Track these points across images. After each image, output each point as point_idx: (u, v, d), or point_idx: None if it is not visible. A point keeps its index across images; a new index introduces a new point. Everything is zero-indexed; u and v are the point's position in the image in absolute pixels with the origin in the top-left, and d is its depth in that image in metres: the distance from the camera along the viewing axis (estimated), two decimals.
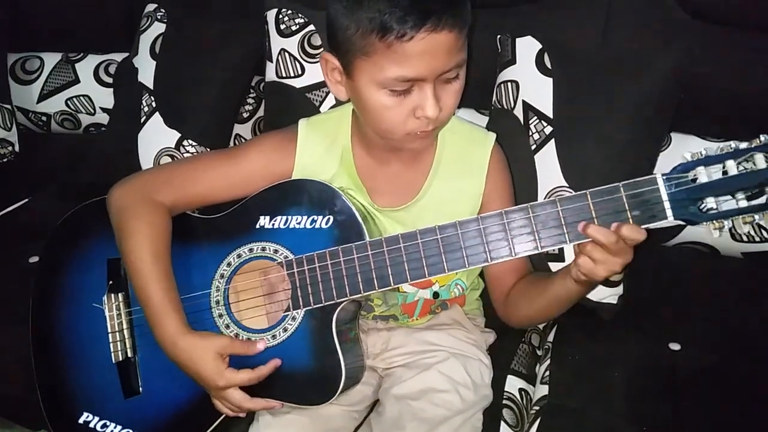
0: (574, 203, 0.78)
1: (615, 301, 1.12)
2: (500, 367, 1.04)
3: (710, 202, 0.74)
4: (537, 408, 0.99)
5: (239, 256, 0.94)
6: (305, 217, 0.91)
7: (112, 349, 0.98)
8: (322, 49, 1.30)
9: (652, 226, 0.77)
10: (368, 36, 0.79)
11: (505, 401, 1.01)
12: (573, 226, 0.78)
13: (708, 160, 0.74)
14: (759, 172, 0.72)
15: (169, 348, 0.90)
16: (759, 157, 0.72)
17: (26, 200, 1.58)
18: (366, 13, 0.78)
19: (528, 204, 0.80)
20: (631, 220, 0.77)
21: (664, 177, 0.75)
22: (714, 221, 0.75)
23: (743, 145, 0.73)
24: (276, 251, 0.92)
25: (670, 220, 0.76)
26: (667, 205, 0.75)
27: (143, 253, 0.92)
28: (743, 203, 0.73)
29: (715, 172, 0.74)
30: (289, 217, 0.91)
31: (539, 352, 1.12)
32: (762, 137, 0.72)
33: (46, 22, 1.79)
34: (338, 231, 0.89)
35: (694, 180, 0.74)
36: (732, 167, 0.73)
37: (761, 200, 0.72)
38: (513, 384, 1.04)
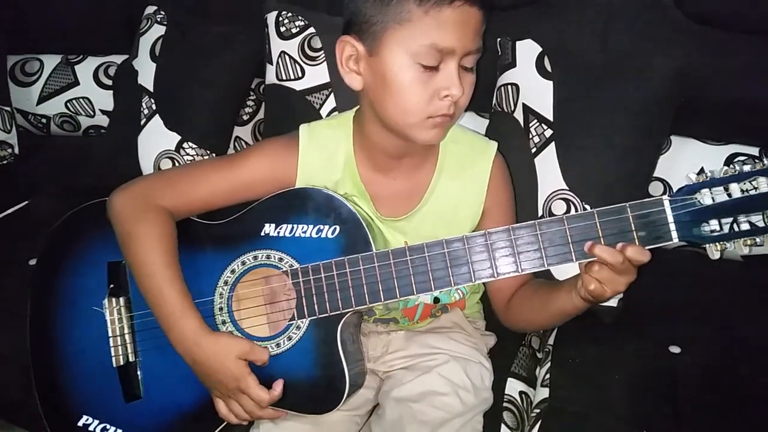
0: (581, 222, 0.79)
1: (615, 304, 1.12)
2: (500, 369, 1.04)
3: (714, 224, 0.76)
4: (537, 411, 0.99)
5: (243, 263, 0.94)
6: (311, 226, 0.90)
7: (113, 353, 0.97)
8: (322, 53, 1.30)
9: (657, 246, 0.78)
10: (405, 2, 0.81)
11: (505, 404, 1.01)
12: (579, 244, 0.79)
13: (713, 182, 0.75)
14: (762, 195, 0.73)
15: (190, 348, 0.89)
16: (762, 181, 0.73)
17: (25, 203, 1.58)
18: None
19: (535, 221, 0.81)
20: (637, 241, 0.78)
21: (670, 198, 0.77)
22: (716, 243, 0.76)
23: (747, 167, 0.75)
24: (281, 259, 0.92)
25: (675, 242, 0.77)
26: (672, 227, 0.77)
27: (154, 256, 0.91)
28: (746, 226, 0.75)
29: (718, 195, 0.75)
30: (295, 226, 0.91)
31: (540, 355, 1.12)
32: (766, 160, 0.74)
33: (45, 24, 1.78)
34: (345, 241, 0.88)
35: (698, 202, 0.76)
36: (736, 190, 0.74)
37: (763, 223, 0.74)
38: (513, 387, 1.04)
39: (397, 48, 0.84)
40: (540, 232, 0.80)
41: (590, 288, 0.81)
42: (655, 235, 0.77)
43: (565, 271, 0.99)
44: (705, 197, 0.75)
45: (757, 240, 0.75)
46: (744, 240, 0.75)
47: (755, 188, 0.73)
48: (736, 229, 0.75)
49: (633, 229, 0.78)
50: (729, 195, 0.75)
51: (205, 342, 0.89)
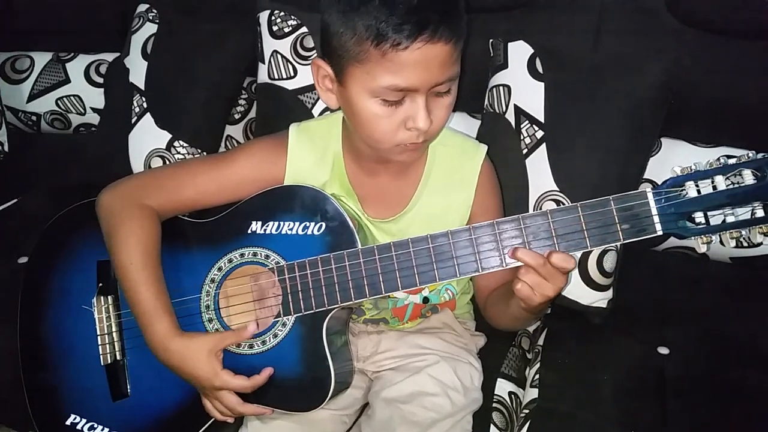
0: (564, 215, 0.79)
1: (605, 305, 1.12)
2: (490, 370, 1.04)
3: (699, 217, 0.75)
4: (527, 411, 0.99)
5: (230, 260, 0.94)
6: (297, 223, 0.90)
7: (101, 352, 0.97)
8: (314, 52, 1.30)
9: (641, 239, 0.78)
10: (363, 43, 0.77)
11: (494, 404, 1.01)
12: (564, 238, 0.79)
13: (697, 175, 0.75)
14: (746, 187, 0.73)
15: (161, 351, 0.90)
16: (747, 173, 0.73)
17: (15, 200, 1.57)
18: (362, 20, 0.77)
19: (519, 215, 0.80)
20: (621, 233, 0.78)
21: (654, 191, 0.76)
22: (702, 236, 0.76)
23: (732, 160, 0.74)
24: (267, 257, 0.91)
25: (660, 234, 0.77)
26: (656, 219, 0.76)
27: (133, 257, 0.91)
28: (731, 218, 0.74)
29: (704, 187, 0.75)
30: (281, 223, 0.91)
31: (529, 356, 1.12)
32: (750, 153, 0.74)
33: (36, 22, 1.77)
34: (330, 238, 0.88)
35: (683, 194, 0.75)
36: (721, 182, 0.74)
37: (748, 215, 0.74)
38: (503, 387, 1.04)
39: (358, 85, 0.81)
40: (524, 226, 0.80)
41: (516, 287, 0.80)
42: (638, 228, 0.77)
43: None
44: (690, 190, 0.75)
45: (743, 232, 0.74)
46: (730, 232, 0.75)
47: (740, 180, 0.73)
48: (722, 221, 0.75)
49: (616, 221, 0.77)
50: (714, 187, 0.74)
51: (173, 345, 0.89)
